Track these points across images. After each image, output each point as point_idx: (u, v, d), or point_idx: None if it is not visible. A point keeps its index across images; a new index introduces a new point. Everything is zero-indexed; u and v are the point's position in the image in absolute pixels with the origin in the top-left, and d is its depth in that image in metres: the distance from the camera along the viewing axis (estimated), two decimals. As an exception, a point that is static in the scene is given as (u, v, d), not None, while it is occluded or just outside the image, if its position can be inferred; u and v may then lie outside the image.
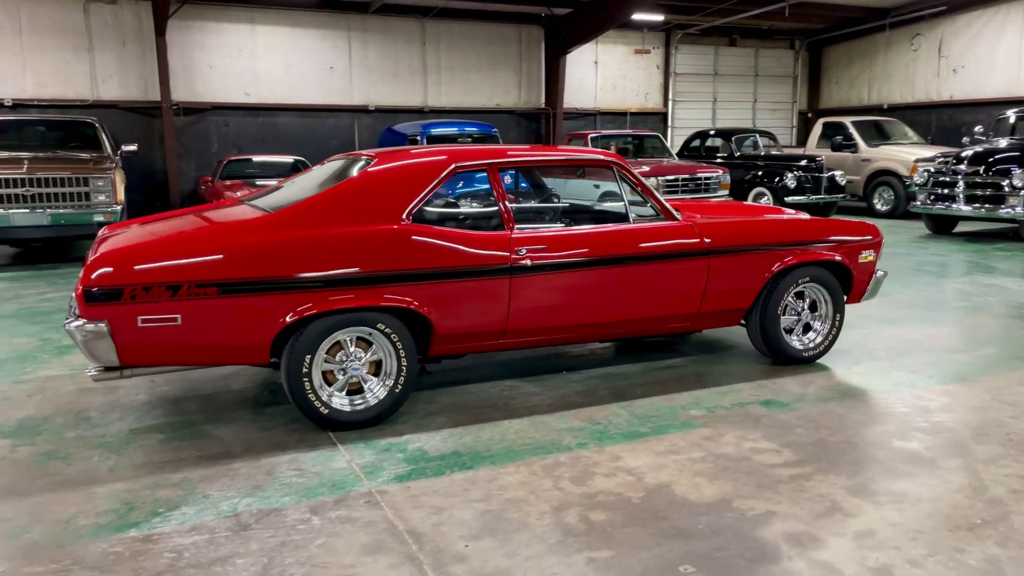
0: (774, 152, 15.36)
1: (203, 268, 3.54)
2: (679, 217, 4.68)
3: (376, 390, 3.98)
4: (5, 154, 10.20)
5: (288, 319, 3.68)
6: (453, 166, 4.19)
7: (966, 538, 2.84)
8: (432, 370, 4.45)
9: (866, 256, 5.15)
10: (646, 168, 12.62)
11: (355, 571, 2.64)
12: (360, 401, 3.94)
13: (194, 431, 3.96)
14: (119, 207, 9.92)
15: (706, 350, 5.44)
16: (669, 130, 19.38)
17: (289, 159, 13.21)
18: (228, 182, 12.00)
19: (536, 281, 4.22)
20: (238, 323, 3.63)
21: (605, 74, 18.69)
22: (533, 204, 5.28)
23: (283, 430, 3.93)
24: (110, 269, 3.44)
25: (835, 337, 5.13)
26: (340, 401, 3.89)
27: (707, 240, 4.64)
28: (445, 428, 3.98)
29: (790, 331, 5.07)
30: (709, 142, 15.93)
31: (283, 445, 3.75)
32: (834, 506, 3.09)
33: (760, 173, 14.39)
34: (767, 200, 14.13)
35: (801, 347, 5.05)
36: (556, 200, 5.44)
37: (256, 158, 13.23)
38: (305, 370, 3.77)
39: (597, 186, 5.60)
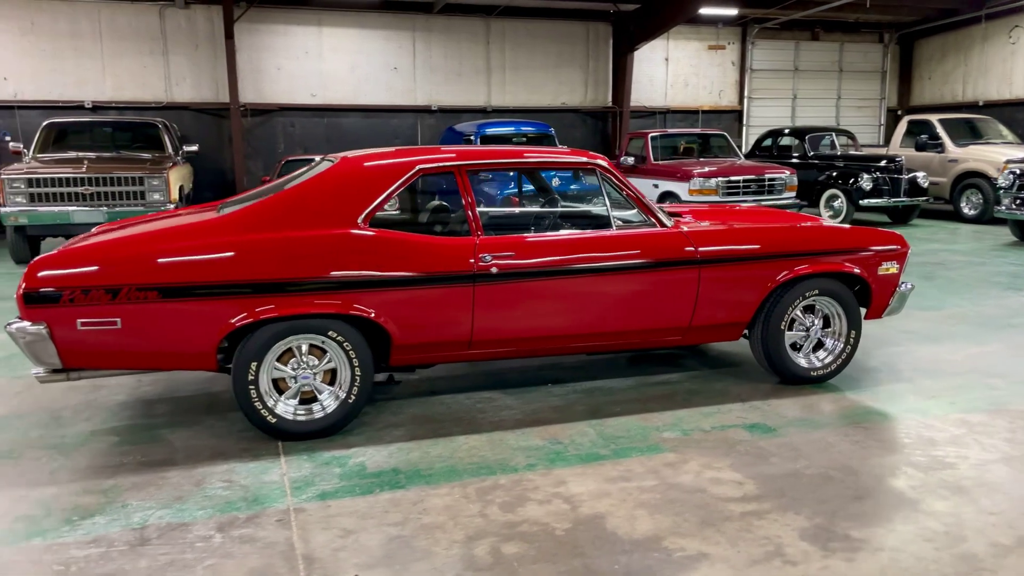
0: (851, 152, 14.52)
1: (143, 271, 3.50)
2: (668, 224, 4.37)
3: (326, 400, 3.85)
4: (72, 154, 10.70)
5: (231, 325, 3.59)
6: (417, 168, 4.02)
7: (916, 599, 2.48)
8: (400, 380, 4.30)
9: (888, 268, 4.69)
10: (707, 169, 12.14)
11: (228, 597, 2.52)
12: (306, 411, 3.82)
13: (149, 435, 3.94)
14: (172, 205, 10.20)
15: (713, 365, 5.09)
16: (744, 129, 18.65)
17: (347, 159, 13.34)
18: (280, 180, 12.20)
19: (503, 290, 4.00)
20: (180, 328, 3.57)
21: (676, 71, 18.14)
22: (508, 209, 5.03)
23: (234, 438, 3.86)
24: (49, 271, 3.44)
25: (849, 356, 4.70)
26: (286, 410, 3.79)
27: (698, 248, 4.31)
28: (398, 442, 3.82)
29: (798, 348, 4.67)
30: (782, 141, 15.21)
31: (226, 454, 3.67)
32: (776, 551, 2.77)
33: (834, 174, 13.62)
34: (841, 203, 13.36)
35: (808, 366, 4.65)
36: (557, 205, 5.19)
37: (314, 158, 13.42)
38: (251, 377, 3.68)
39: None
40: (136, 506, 3.15)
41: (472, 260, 3.93)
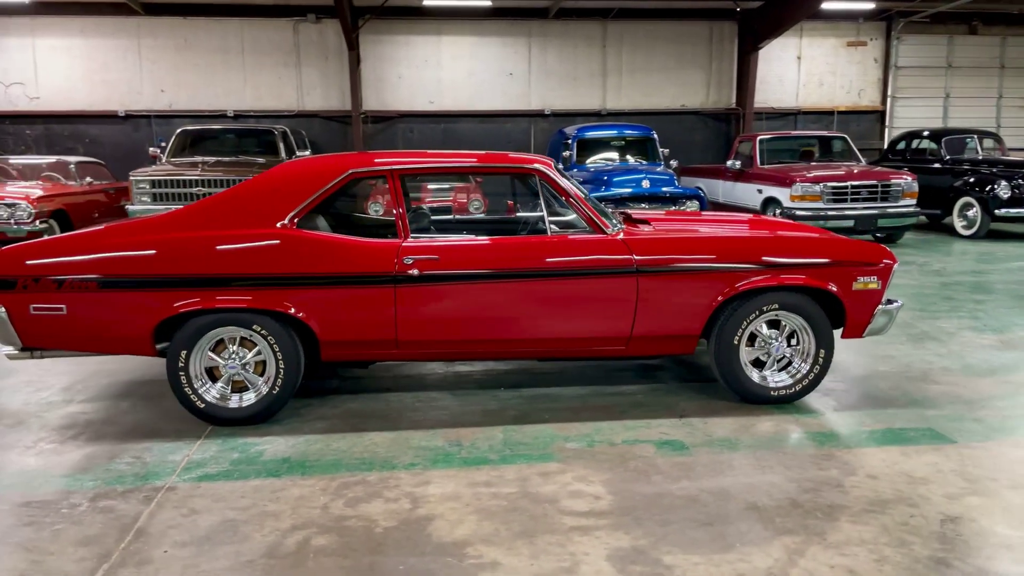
0: (994, 157, 13.12)
1: (84, 265, 3.92)
2: (608, 231, 4.27)
3: (255, 391, 4.11)
4: (198, 158, 11.84)
5: (160, 315, 3.94)
6: (349, 172, 4.19)
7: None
8: (344, 374, 4.48)
9: (866, 283, 4.31)
10: (814, 174, 11.47)
11: (45, 558, 2.81)
12: (235, 399, 4.10)
13: (113, 409, 4.38)
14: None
15: (691, 378, 4.88)
16: (886, 131, 17.30)
17: (451, 163, 13.79)
18: (387, 184, 12.82)
19: (425, 292, 4.09)
20: (117, 316, 3.96)
21: (810, 69, 17.15)
22: (446, 214, 5.05)
23: (177, 421, 4.19)
24: (6, 261, 3.93)
25: (817, 377, 4.36)
26: (215, 397, 4.08)
27: (635, 257, 4.18)
28: (312, 434, 4.01)
29: (761, 364, 4.40)
30: (918, 144, 14.00)
31: (157, 434, 4.02)
32: (571, 568, 2.69)
33: (970, 180, 12.40)
34: (975, 212, 12.15)
35: (767, 385, 4.36)
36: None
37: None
38: (181, 364, 4.01)
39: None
40: (42, 473, 3.54)
41: (395, 262, 4.05)
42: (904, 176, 11.53)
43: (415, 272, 4.06)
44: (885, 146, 16.80)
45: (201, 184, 10.73)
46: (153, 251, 3.96)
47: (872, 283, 4.33)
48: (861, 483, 3.34)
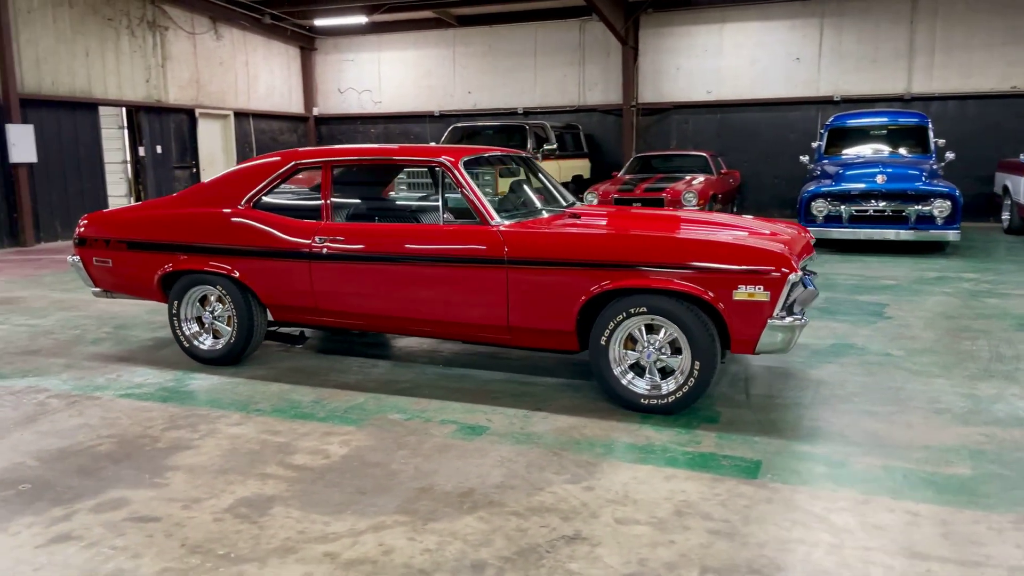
0: None
1: (120, 230, 5.30)
2: (491, 222, 4.41)
3: (221, 338, 5.13)
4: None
5: (162, 272, 5.15)
6: (293, 163, 4.96)
7: None
8: (309, 336, 5.23)
9: (749, 292, 3.84)
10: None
11: (-32, 423, 4.14)
12: (209, 342, 5.17)
13: (139, 345, 5.76)
14: (497, 196, 12.06)
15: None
16: None
17: (701, 154, 13.50)
18: (627, 176, 13.07)
19: (330, 268, 4.71)
20: (138, 270, 5.27)
21: None
22: (368, 201, 5.34)
23: (175, 356, 5.39)
24: (82, 226, 5.47)
25: (694, 391, 4.00)
26: (197, 338, 5.19)
27: (506, 249, 4.28)
28: (253, 379, 4.85)
29: (642, 369, 4.17)
30: None
31: (153, 363, 5.27)
32: (209, 498, 3.19)
33: None
34: None
35: (636, 391, 4.13)
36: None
37: (664, 153, 13.92)
38: (174, 312, 5.20)
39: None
40: (44, 371, 4.97)
41: (310, 241, 4.74)
42: None
43: (324, 251, 4.70)
44: None
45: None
46: (157, 223, 5.19)
47: (758, 293, 3.81)
48: (567, 492, 3.18)
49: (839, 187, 10.35)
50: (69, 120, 13.22)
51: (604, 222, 4.67)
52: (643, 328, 4.11)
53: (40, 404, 4.43)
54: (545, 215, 4.84)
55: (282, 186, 5.18)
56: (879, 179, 10.17)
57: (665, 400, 4.06)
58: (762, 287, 3.80)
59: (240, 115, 16.90)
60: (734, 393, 4.48)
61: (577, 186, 14.62)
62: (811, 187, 10.60)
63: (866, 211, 10.16)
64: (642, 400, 4.11)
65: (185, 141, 15.57)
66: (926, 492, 3.15)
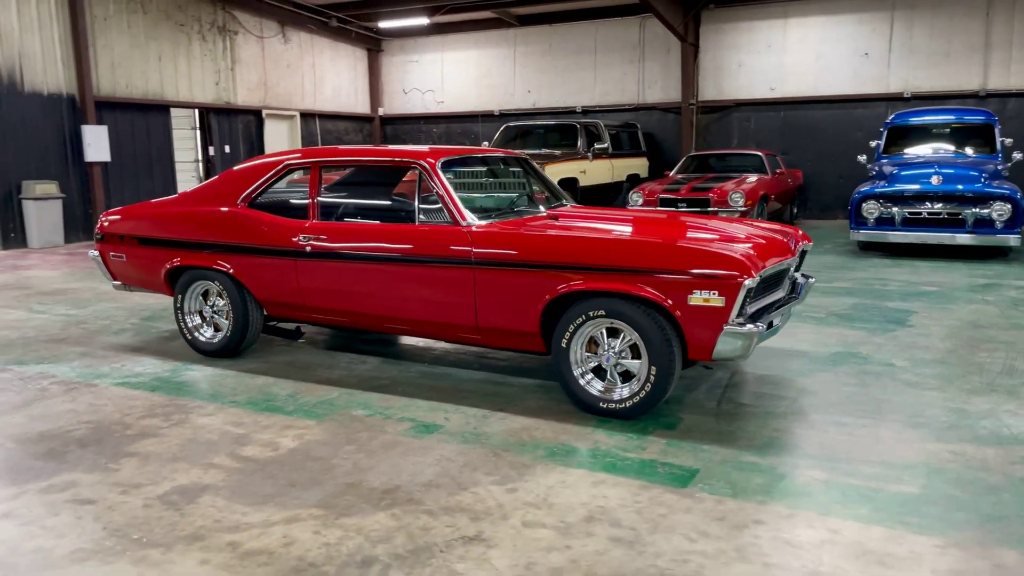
0: None
1: (131, 227, 5.57)
2: (462, 223, 4.44)
3: (221, 331, 5.34)
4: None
5: (168, 267, 5.40)
6: (285, 163, 5.12)
7: None
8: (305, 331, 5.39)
9: (704, 298, 3.75)
10: None
11: (-29, 405, 4.45)
12: (209, 334, 5.39)
13: (155, 336, 6.03)
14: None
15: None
16: None
17: (756, 153, 13.15)
18: (678, 176, 12.86)
19: (315, 266, 4.85)
20: (148, 264, 5.53)
21: None
22: (353, 200, 5.38)
23: (180, 348, 5.64)
24: (101, 222, 5.78)
25: (650, 396, 3.93)
26: (199, 331, 5.42)
27: (473, 250, 4.31)
28: (252, 373, 5.00)
29: (602, 373, 4.13)
30: None
31: (161, 354, 5.53)
32: (150, 485, 3.34)
33: None
34: None
35: (596, 395, 4.09)
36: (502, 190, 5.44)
37: (718, 152, 13.62)
38: (178, 305, 5.44)
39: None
40: (56, 359, 5.28)
41: (296, 239, 4.89)
42: None
43: (308, 249, 4.83)
44: None
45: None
46: (163, 220, 5.44)
47: (713, 299, 3.72)
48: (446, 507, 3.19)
49: (892, 188, 9.89)
50: (142, 121, 13.94)
51: (580, 224, 4.63)
52: (604, 332, 4.07)
53: (42, 390, 4.72)
54: (526, 216, 4.83)
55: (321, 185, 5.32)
56: (934, 180, 9.67)
57: (623, 404, 4.01)
58: (717, 292, 3.70)
59: (306, 115, 17.44)
60: (708, 400, 4.38)
61: (632, 185, 14.46)
62: (863, 188, 10.17)
63: (920, 214, 9.69)
64: (600, 404, 4.07)
65: (253, 141, 16.17)
66: (860, 510, 3.02)
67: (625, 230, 4.37)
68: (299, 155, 5.15)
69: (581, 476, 3.36)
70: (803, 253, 5.00)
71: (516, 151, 6.12)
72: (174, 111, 14.78)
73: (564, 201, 5.59)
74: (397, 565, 2.66)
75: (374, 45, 19.17)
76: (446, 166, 4.72)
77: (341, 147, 5.25)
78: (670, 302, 3.79)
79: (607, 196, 13.93)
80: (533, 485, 3.28)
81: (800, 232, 4.98)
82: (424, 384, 4.72)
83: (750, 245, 4.07)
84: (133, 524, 2.98)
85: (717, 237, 4.23)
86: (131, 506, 3.13)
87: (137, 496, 3.22)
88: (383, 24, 17.82)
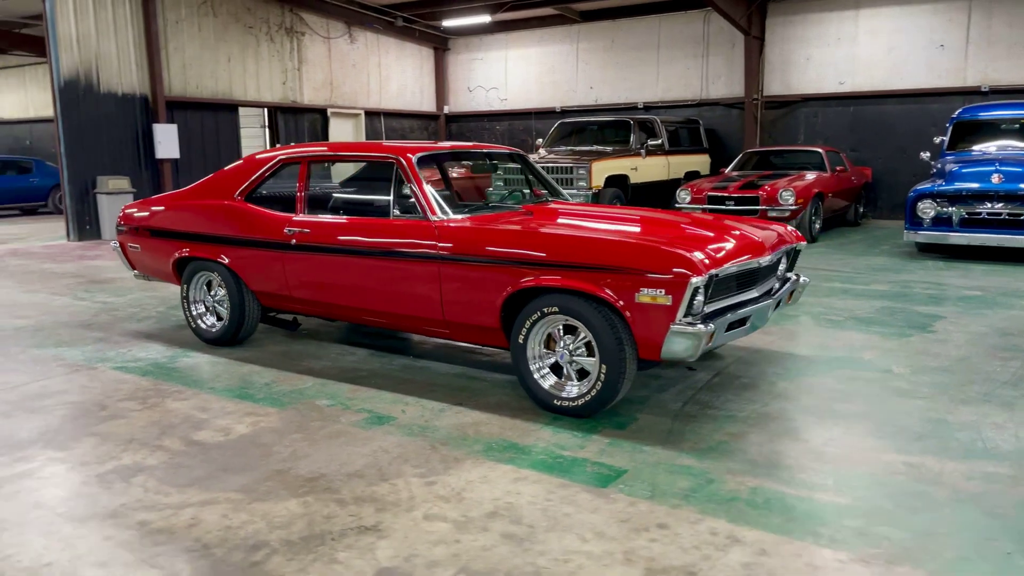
0: None
1: (144, 218, 5.85)
2: (431, 217, 4.46)
3: (222, 320, 5.55)
4: (562, 147, 13.46)
5: (176, 256, 5.64)
6: (278, 159, 5.26)
7: None
8: (301, 322, 5.52)
9: (653, 296, 3.66)
10: None
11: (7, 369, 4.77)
12: (210, 322, 5.60)
13: (168, 325, 6.28)
14: (591, 191, 11.95)
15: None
16: None
17: (816, 149, 12.67)
18: (733, 172, 12.53)
19: (298, 259, 4.97)
20: (158, 254, 5.79)
21: None
22: (338, 194, 5.41)
23: (184, 336, 5.87)
24: (121, 213, 6.08)
25: (601, 394, 3.87)
26: (203, 320, 5.64)
27: (439, 244, 4.33)
28: (243, 361, 5.18)
29: (559, 370, 4.09)
30: None
31: (171, 340, 5.78)
32: (101, 461, 3.52)
33: None
34: None
35: (550, 391, 4.05)
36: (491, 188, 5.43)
37: (775, 149, 13.16)
38: (184, 295, 5.68)
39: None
40: (70, 344, 5.59)
41: (283, 232, 5.03)
42: None
43: (293, 241, 4.96)
44: None
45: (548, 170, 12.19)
46: (172, 212, 5.69)
47: (660, 297, 3.63)
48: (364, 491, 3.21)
49: (949, 187, 9.35)
50: (211, 120, 14.57)
51: (554, 220, 4.58)
52: (562, 329, 4.02)
53: (47, 372, 5.01)
54: (502, 212, 4.82)
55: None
56: (994, 179, 9.09)
57: (575, 402, 3.95)
58: (664, 291, 3.60)
59: (371, 114, 17.83)
60: (675, 401, 4.26)
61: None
62: (920, 186, 9.66)
63: (979, 214, 9.12)
64: (554, 401, 4.02)
65: (318, 138, 16.63)
66: (774, 520, 2.89)
67: (588, 226, 4.30)
68: (291, 150, 5.29)
69: (505, 472, 3.34)
70: (795, 253, 4.82)
71: (513, 148, 6.09)
72: (243, 110, 15.37)
73: (561, 197, 5.54)
74: (283, 551, 2.71)
75: (440, 44, 19.41)
76: (423, 161, 4.75)
77: (328, 143, 5.37)
78: (620, 301, 3.71)
79: (661, 194, 13.68)
80: (454, 479, 3.27)
81: (793, 232, 4.80)
82: (399, 377, 4.77)
83: (711, 244, 3.94)
84: (63, 500, 3.13)
85: (676, 236, 4.11)
86: (69, 483, 3.30)
87: (79, 474, 3.39)
88: (447, 23, 18.01)
